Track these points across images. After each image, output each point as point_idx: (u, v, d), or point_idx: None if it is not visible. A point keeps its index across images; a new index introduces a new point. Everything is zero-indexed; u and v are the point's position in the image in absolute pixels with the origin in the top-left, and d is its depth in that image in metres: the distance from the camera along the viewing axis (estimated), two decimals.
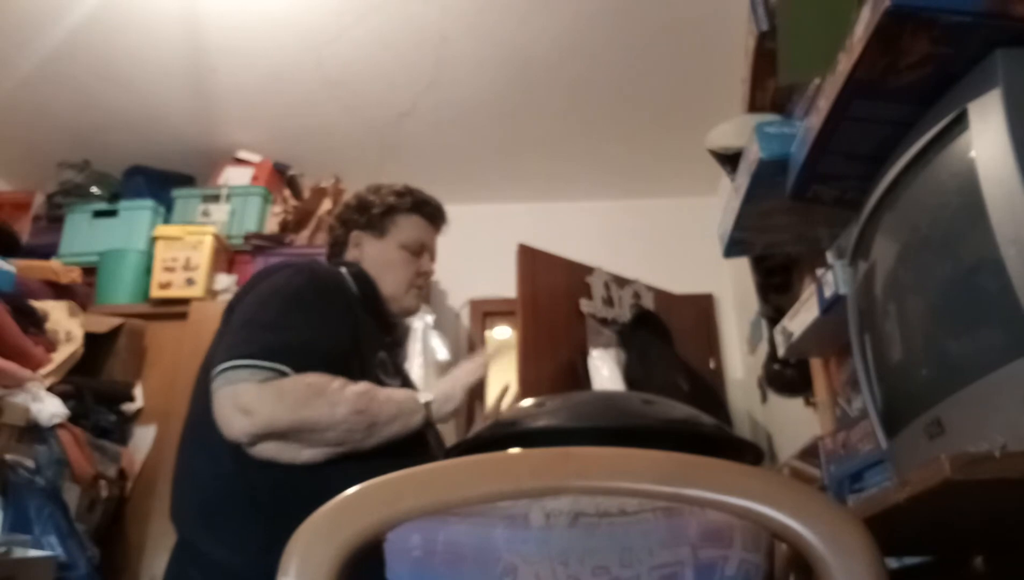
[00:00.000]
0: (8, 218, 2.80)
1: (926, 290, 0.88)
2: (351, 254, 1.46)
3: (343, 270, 1.34)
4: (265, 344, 1.11)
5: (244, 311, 1.20)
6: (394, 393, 1.23)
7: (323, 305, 1.22)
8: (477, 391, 2.94)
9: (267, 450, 1.09)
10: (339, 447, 1.12)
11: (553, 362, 2.47)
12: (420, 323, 2.68)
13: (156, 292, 2.70)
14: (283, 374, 1.09)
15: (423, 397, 1.25)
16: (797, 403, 2.04)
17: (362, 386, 1.15)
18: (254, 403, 1.06)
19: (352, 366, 1.19)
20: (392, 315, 1.45)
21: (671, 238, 3.22)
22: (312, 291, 1.23)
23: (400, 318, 1.51)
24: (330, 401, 1.10)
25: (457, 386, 1.30)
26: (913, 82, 0.88)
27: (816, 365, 1.79)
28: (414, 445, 1.23)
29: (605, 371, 2.39)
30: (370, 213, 1.47)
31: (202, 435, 1.15)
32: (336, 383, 1.12)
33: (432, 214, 1.52)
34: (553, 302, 2.59)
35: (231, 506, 1.12)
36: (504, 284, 2.74)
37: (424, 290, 1.51)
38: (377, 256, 1.44)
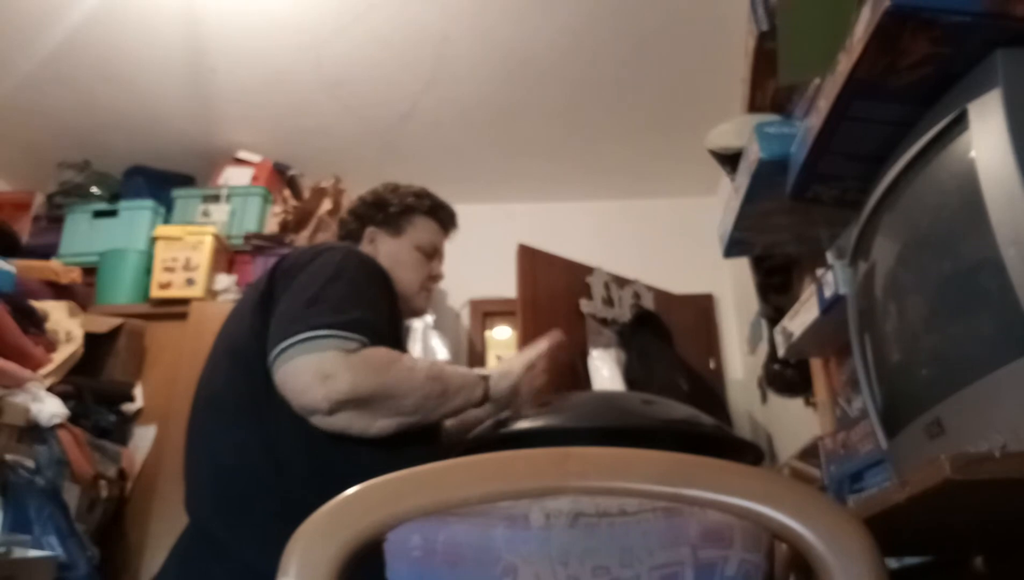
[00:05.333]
0: (8, 218, 2.79)
1: (926, 290, 0.88)
2: (364, 250, 1.45)
3: None
4: (345, 317, 1.11)
5: (305, 288, 1.17)
6: (457, 367, 1.27)
7: (378, 289, 1.24)
8: None
9: (342, 420, 1.09)
10: (412, 417, 1.14)
11: (553, 362, 2.47)
12: (420, 323, 2.68)
13: (156, 292, 2.69)
14: (365, 346, 1.11)
15: (482, 372, 1.28)
16: (797, 403, 2.04)
17: (428, 359, 1.18)
18: (339, 369, 1.06)
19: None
20: (403, 313, 1.45)
21: (671, 238, 3.22)
22: (368, 274, 1.25)
23: (409, 317, 1.51)
24: (408, 366, 1.14)
25: (515, 363, 1.32)
26: (913, 82, 0.88)
27: (816, 365, 1.79)
28: (436, 430, 1.26)
29: (605, 371, 2.39)
30: (387, 211, 1.47)
31: (225, 418, 1.15)
32: (406, 355, 1.17)
33: (445, 220, 1.53)
34: (553, 302, 2.58)
35: (259, 498, 1.09)
36: (504, 284, 2.74)
37: (432, 293, 1.53)
38: (391, 254, 1.44)
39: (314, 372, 1.06)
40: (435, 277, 1.51)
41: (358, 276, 1.21)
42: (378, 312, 1.19)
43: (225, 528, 1.10)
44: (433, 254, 1.50)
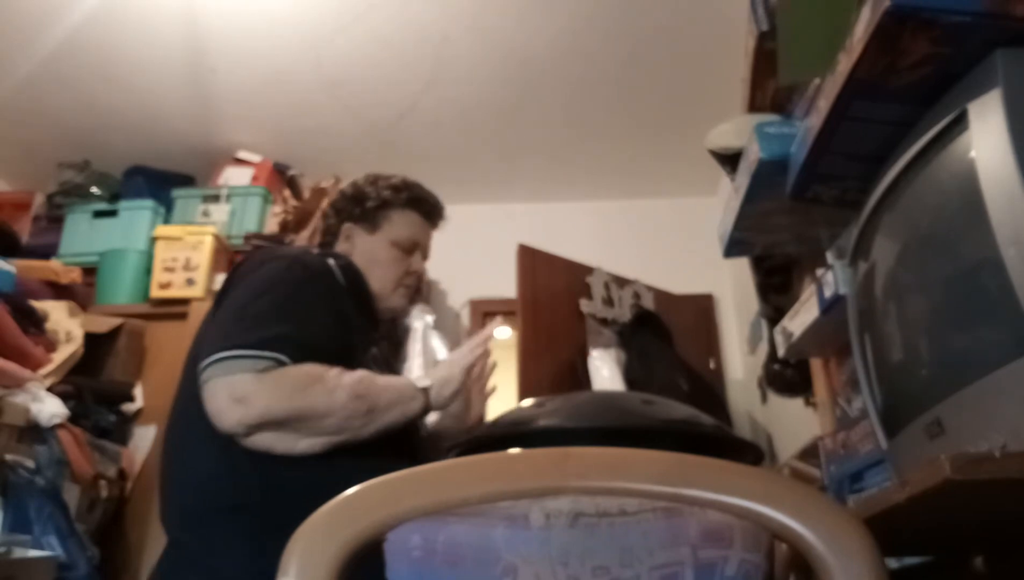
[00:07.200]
0: (8, 218, 2.79)
1: (926, 290, 0.88)
2: (341, 247, 1.41)
3: (331, 262, 1.29)
4: (263, 334, 1.08)
5: (236, 302, 1.16)
6: (393, 380, 1.21)
7: (317, 298, 1.20)
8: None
9: (263, 440, 1.06)
10: (337, 436, 1.10)
11: (553, 362, 2.47)
12: (420, 323, 2.68)
13: (156, 292, 2.70)
14: (282, 364, 1.07)
15: (421, 383, 1.22)
16: (797, 403, 2.04)
17: (360, 373, 1.13)
18: (251, 392, 1.03)
19: (346, 361, 1.16)
20: (380, 312, 1.41)
21: (671, 238, 3.22)
22: (306, 283, 1.20)
23: (387, 316, 1.46)
24: (328, 388, 1.08)
25: (455, 368, 1.26)
26: (913, 82, 0.88)
27: (816, 365, 1.79)
28: (403, 438, 1.21)
29: (605, 371, 2.38)
30: (364, 205, 1.42)
31: (191, 432, 1.13)
32: (333, 371, 1.10)
33: (429, 211, 1.47)
34: (553, 302, 2.58)
35: (220, 508, 1.09)
36: (504, 284, 2.73)
37: (413, 289, 1.46)
38: (366, 251, 1.39)
39: (226, 395, 1.04)
40: (413, 273, 1.44)
41: (292, 288, 1.17)
42: (309, 325, 1.14)
43: (198, 540, 1.10)
44: (412, 249, 1.43)
